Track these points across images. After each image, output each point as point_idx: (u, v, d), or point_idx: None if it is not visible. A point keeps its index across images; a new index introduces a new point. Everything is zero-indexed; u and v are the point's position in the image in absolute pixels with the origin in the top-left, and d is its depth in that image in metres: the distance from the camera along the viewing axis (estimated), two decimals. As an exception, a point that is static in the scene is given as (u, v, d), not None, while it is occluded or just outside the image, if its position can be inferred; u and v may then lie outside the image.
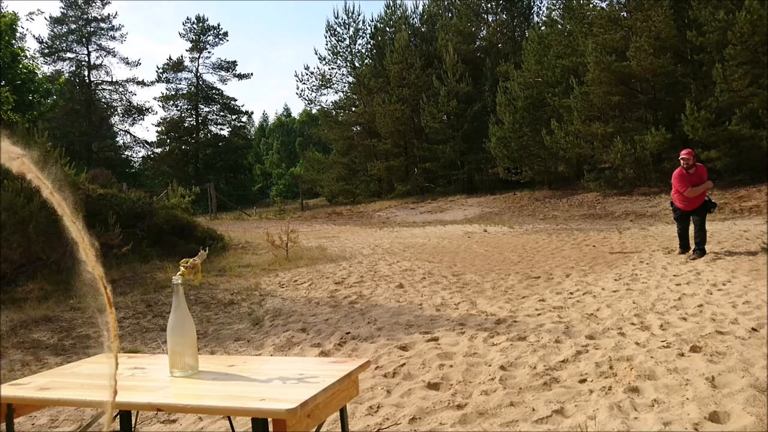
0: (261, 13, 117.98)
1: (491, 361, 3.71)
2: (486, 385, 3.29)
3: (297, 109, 75.14)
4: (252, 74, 72.43)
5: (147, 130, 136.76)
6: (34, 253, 7.38)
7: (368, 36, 33.12)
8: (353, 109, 34.26)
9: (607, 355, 3.65)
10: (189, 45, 41.72)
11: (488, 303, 5.60)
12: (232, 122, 43.00)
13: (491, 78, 27.30)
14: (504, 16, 31.08)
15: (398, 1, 33.99)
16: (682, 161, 7.72)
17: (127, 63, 41.29)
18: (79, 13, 38.83)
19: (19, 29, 10.76)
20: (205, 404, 1.57)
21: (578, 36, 21.51)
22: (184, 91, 41.22)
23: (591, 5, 22.24)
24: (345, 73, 33.91)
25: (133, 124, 43.93)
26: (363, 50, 33.29)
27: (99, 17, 39.19)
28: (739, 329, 4.01)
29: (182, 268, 1.82)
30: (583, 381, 3.25)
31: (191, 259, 1.84)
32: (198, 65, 41.32)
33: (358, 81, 32.79)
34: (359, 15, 35.38)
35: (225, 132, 42.69)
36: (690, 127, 16.99)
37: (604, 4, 21.84)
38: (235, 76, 42.13)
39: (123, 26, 64.18)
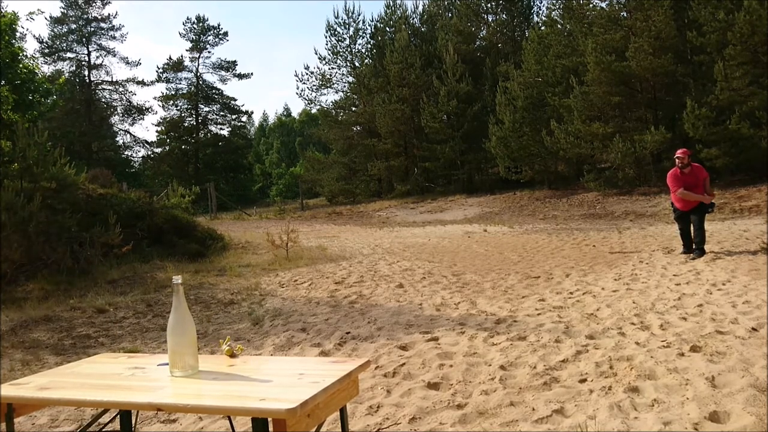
0: (261, 13, 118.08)
1: (491, 361, 3.71)
2: (486, 385, 3.29)
3: (297, 109, 75.01)
4: (252, 74, 72.34)
5: (147, 129, 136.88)
6: (34, 253, 7.39)
7: (368, 36, 33.14)
8: (353, 109, 34.26)
9: (607, 354, 3.65)
10: (189, 45, 41.73)
11: (488, 303, 5.60)
12: (232, 122, 43.02)
13: (491, 78, 27.28)
14: (504, 16, 31.06)
15: (398, 1, 33.96)
16: (677, 160, 7.70)
17: (127, 63, 41.46)
18: (79, 13, 38.86)
19: (19, 29, 10.74)
20: (205, 404, 1.57)
21: (578, 36, 21.49)
22: (184, 91, 41.22)
23: (591, 5, 22.22)
24: (345, 73, 33.95)
25: (133, 123, 44.11)
26: (363, 50, 33.32)
27: (99, 17, 39.28)
28: (739, 329, 4.01)
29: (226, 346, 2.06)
30: (583, 381, 3.26)
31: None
32: (198, 65, 41.36)
33: (358, 81, 32.79)
34: (359, 15, 35.41)
35: (225, 132, 42.77)
36: (691, 125, 16.97)
37: (604, 4, 21.84)
38: (235, 76, 42.17)
39: (123, 26, 64.28)
